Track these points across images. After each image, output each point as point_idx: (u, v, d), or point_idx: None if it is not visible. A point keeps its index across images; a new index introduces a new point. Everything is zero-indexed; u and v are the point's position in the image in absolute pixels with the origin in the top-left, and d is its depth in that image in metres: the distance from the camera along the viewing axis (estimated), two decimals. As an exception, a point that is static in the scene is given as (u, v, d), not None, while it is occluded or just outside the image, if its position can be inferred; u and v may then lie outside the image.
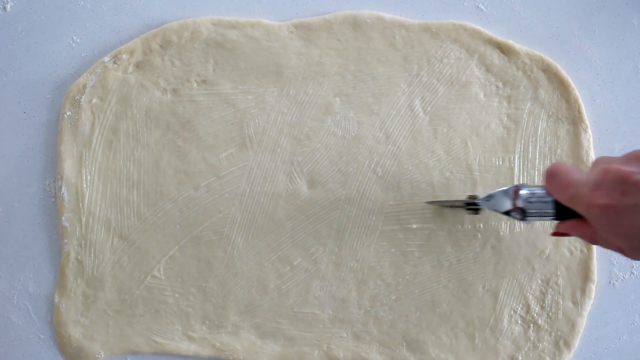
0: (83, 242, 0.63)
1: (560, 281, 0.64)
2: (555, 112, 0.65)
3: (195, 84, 0.64)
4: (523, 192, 0.52)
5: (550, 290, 0.63)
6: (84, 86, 0.63)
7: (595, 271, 0.64)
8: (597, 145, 0.66)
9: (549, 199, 0.51)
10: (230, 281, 0.63)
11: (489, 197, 0.56)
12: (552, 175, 0.49)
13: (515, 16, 0.67)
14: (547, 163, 0.64)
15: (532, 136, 0.64)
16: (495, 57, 0.65)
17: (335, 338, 0.63)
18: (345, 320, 0.63)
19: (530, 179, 0.64)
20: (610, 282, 0.65)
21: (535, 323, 0.63)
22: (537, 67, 0.65)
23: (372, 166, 0.64)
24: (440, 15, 0.66)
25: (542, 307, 0.63)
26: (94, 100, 0.64)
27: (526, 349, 0.63)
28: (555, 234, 0.51)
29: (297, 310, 0.63)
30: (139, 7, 0.66)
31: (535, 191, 0.52)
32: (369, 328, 0.63)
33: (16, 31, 0.65)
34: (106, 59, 0.64)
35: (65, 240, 0.63)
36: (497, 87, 0.65)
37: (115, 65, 0.64)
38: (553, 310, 0.63)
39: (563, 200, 0.48)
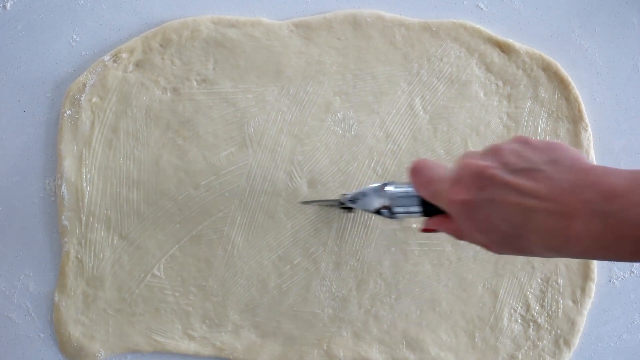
0: (83, 240, 0.63)
1: (560, 280, 0.64)
2: (555, 111, 0.65)
3: (195, 83, 0.64)
4: (389, 188, 0.51)
5: (550, 289, 0.63)
6: (84, 85, 0.63)
7: (595, 270, 0.64)
8: (597, 144, 0.66)
9: (414, 195, 0.49)
10: (230, 280, 0.63)
11: (361, 195, 0.54)
12: (415, 171, 0.47)
13: (515, 15, 0.67)
14: (547, 162, 0.64)
15: (532, 135, 0.64)
16: (495, 56, 0.65)
17: (336, 337, 0.63)
18: (345, 319, 0.63)
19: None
20: (610, 281, 0.65)
21: (535, 322, 0.63)
22: (537, 65, 0.65)
23: (372, 165, 0.64)
24: (440, 14, 0.66)
25: (542, 306, 0.63)
26: (94, 99, 0.64)
27: (526, 348, 0.63)
28: (424, 230, 0.50)
29: (297, 309, 0.63)
30: (139, 6, 0.66)
31: (402, 188, 0.50)
32: (369, 327, 0.63)
33: (16, 30, 0.65)
34: (106, 57, 0.64)
35: (65, 239, 0.63)
36: (497, 85, 0.65)
37: (115, 64, 0.64)
38: (553, 309, 0.63)
39: (426, 196, 0.47)
